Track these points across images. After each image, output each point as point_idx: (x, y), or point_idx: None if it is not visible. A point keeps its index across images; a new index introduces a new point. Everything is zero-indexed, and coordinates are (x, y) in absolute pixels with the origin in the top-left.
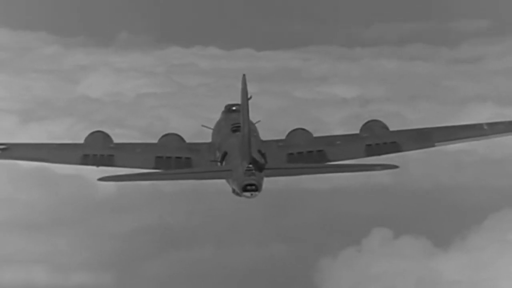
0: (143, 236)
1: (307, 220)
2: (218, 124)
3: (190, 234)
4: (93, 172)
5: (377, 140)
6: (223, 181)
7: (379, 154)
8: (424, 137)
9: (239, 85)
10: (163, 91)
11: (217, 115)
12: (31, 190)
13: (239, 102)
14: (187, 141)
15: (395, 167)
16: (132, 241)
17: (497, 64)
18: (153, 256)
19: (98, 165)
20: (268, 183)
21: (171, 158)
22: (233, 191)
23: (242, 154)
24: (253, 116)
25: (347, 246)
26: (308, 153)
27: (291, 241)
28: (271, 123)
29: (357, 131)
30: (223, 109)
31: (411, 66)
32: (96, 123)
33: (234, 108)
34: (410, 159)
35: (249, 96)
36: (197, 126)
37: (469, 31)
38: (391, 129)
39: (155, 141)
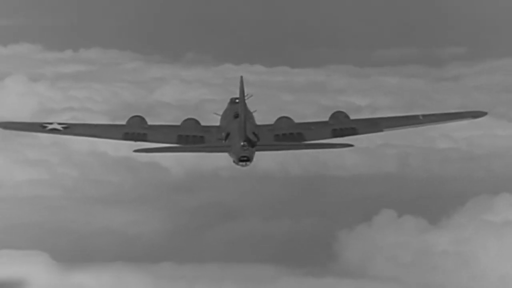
0: (205, 210)
1: (330, 201)
2: (225, 112)
3: (241, 210)
4: (165, 158)
5: (341, 126)
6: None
7: (341, 136)
8: (375, 124)
9: (276, 93)
10: (220, 98)
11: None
12: (119, 174)
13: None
14: (202, 124)
15: (351, 145)
16: (197, 214)
17: (474, 81)
18: (212, 226)
19: (135, 140)
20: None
21: (189, 136)
22: (233, 161)
23: (239, 134)
24: (252, 107)
25: (360, 222)
26: (290, 135)
27: (318, 217)
28: None
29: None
30: (228, 101)
31: (408, 82)
32: (167, 122)
33: (236, 100)
34: (411, 155)
35: (246, 94)
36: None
37: (452, 56)
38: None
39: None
